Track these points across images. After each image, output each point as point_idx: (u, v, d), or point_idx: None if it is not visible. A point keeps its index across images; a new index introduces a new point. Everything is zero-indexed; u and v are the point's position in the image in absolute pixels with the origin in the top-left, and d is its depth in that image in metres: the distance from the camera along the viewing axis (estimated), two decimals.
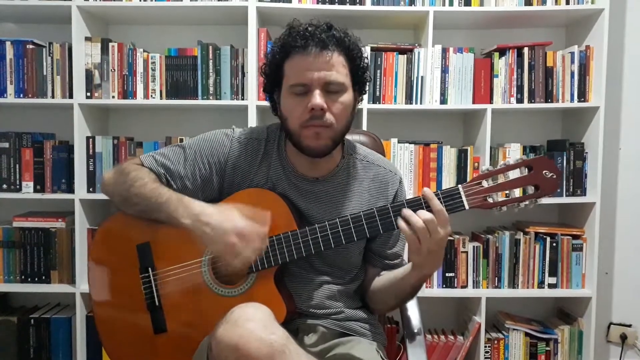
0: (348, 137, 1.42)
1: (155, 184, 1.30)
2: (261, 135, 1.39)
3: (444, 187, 2.38)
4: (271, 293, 1.26)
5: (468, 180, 2.34)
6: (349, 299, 1.39)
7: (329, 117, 1.24)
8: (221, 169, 1.36)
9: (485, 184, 1.20)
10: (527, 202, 1.20)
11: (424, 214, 1.15)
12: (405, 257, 1.42)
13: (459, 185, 1.21)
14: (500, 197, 1.21)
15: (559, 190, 2.40)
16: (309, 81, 1.22)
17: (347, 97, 1.27)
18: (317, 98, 1.22)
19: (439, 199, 1.19)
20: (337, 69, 1.24)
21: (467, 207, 1.20)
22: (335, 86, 1.24)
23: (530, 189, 1.20)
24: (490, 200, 1.20)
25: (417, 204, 1.20)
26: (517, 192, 1.22)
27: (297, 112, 1.25)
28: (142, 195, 1.28)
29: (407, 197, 1.30)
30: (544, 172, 1.19)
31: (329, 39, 1.23)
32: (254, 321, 1.02)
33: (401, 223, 1.17)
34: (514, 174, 1.21)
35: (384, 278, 1.40)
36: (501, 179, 1.20)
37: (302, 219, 1.32)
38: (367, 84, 1.36)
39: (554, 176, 1.19)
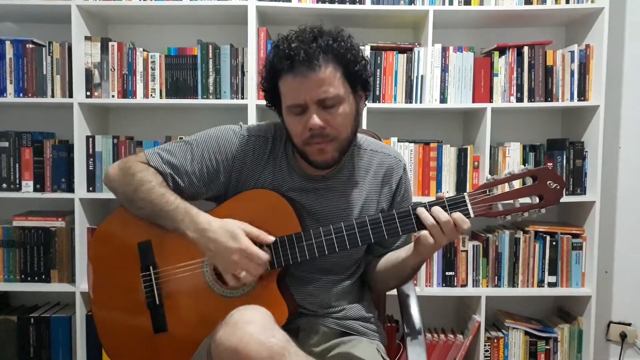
0: None
1: (162, 188, 1.29)
2: (268, 132, 1.39)
3: (444, 186, 2.39)
4: (273, 295, 1.26)
5: (468, 181, 2.38)
6: (349, 294, 1.39)
7: (330, 132, 1.24)
8: (228, 166, 1.35)
9: (489, 192, 1.20)
10: (530, 212, 1.21)
11: (441, 214, 1.18)
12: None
13: (465, 194, 1.21)
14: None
15: None
16: (302, 101, 1.22)
17: (346, 106, 1.26)
18: (315, 119, 1.21)
19: (444, 206, 1.20)
20: (330, 82, 1.21)
21: (472, 215, 1.20)
22: (331, 101, 1.22)
23: (534, 199, 1.20)
24: (494, 208, 1.21)
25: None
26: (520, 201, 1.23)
27: (297, 130, 1.25)
28: (149, 200, 1.28)
29: (411, 187, 1.38)
30: (548, 182, 1.19)
31: (315, 53, 1.19)
32: (253, 324, 1.03)
33: (422, 232, 1.20)
34: (518, 183, 1.21)
35: (385, 259, 1.41)
36: (506, 187, 1.20)
37: (306, 220, 1.32)
38: (370, 80, 1.32)
39: (558, 187, 1.19)
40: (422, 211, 1.20)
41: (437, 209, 1.19)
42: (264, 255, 1.21)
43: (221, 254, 1.20)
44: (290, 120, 1.27)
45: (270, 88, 1.31)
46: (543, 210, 1.21)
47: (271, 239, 1.25)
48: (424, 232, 1.19)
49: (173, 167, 1.34)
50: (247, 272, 1.20)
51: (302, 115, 1.24)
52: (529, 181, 1.21)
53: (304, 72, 1.20)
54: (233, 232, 1.21)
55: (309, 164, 1.30)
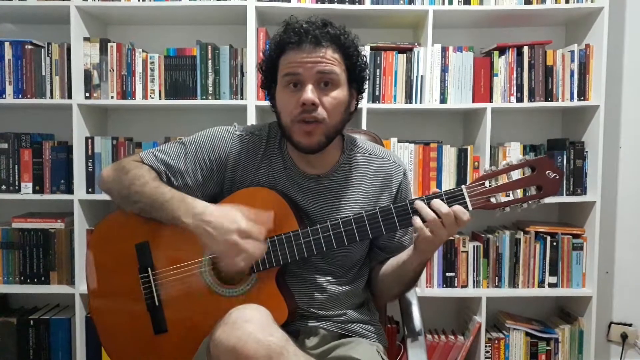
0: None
1: (156, 182, 1.29)
2: (262, 132, 1.39)
3: (444, 187, 2.39)
4: (273, 294, 1.25)
5: (469, 180, 2.37)
6: (351, 299, 1.38)
7: (320, 112, 1.23)
8: (222, 165, 1.35)
9: (488, 184, 1.19)
10: (530, 202, 1.20)
11: (442, 207, 1.17)
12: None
13: (462, 186, 1.20)
14: (502, 197, 1.20)
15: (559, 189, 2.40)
16: (301, 71, 1.23)
17: (341, 92, 1.27)
18: (309, 92, 1.22)
19: (442, 199, 1.19)
20: (331, 62, 1.24)
21: (470, 208, 1.19)
22: (328, 77, 1.24)
23: (533, 189, 1.20)
24: (493, 200, 1.20)
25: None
26: (519, 192, 1.21)
27: (289, 106, 1.25)
28: (143, 193, 1.27)
29: (411, 192, 1.35)
30: (547, 172, 1.18)
31: (323, 36, 1.23)
32: (252, 323, 1.02)
33: (416, 220, 1.18)
34: (516, 174, 1.20)
35: (387, 265, 1.40)
36: (504, 179, 1.20)
37: (303, 218, 1.31)
38: (366, 82, 1.35)
39: (557, 177, 1.18)
40: (421, 206, 1.19)
41: (437, 202, 1.18)
42: (263, 230, 1.20)
43: (219, 235, 1.17)
44: (283, 95, 1.27)
45: (269, 66, 1.31)
46: (542, 201, 1.20)
47: (269, 215, 1.24)
48: (421, 226, 1.17)
49: (167, 166, 1.34)
50: (247, 254, 1.17)
51: (296, 91, 1.24)
52: (528, 172, 1.20)
53: (309, 49, 1.23)
54: (230, 214, 1.20)
55: (294, 147, 1.29)
